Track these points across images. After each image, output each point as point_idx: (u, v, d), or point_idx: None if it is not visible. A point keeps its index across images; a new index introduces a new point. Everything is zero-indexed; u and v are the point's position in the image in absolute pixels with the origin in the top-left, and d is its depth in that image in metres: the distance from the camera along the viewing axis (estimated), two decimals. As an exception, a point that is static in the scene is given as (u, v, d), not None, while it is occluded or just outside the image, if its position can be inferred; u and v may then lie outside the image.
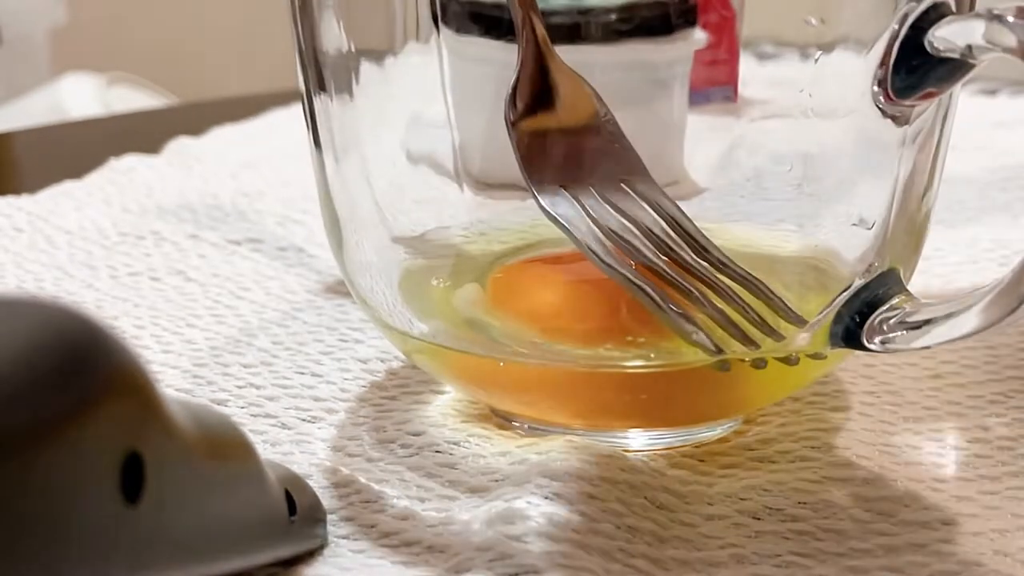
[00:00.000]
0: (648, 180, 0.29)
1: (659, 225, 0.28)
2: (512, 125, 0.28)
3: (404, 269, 0.31)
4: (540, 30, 0.28)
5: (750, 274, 0.28)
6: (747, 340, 0.27)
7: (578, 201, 0.28)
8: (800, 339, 0.28)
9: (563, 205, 0.28)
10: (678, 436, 0.30)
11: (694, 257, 0.28)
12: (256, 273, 0.41)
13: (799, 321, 0.28)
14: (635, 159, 0.29)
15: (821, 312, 0.28)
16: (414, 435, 0.30)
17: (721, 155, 0.32)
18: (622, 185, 0.29)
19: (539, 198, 0.28)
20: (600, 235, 0.28)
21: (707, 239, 0.28)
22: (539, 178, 0.28)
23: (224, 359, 0.35)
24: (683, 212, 0.29)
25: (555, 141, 0.28)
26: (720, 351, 0.27)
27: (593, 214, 0.28)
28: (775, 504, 0.27)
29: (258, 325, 0.37)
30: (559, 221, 0.28)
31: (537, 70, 0.28)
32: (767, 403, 0.31)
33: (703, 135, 0.33)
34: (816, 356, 0.28)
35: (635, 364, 0.29)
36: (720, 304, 0.27)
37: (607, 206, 0.28)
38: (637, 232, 0.28)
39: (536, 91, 0.28)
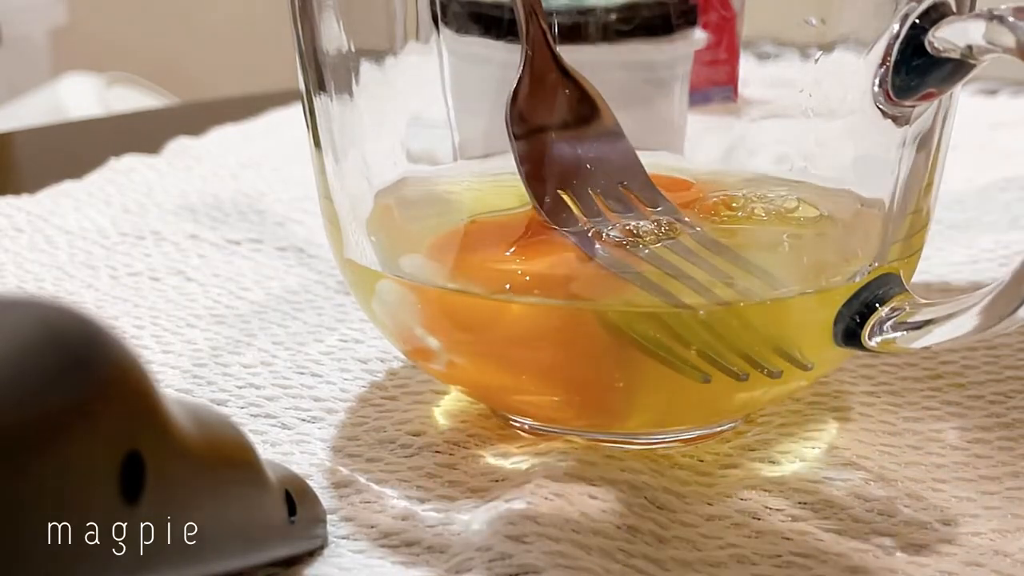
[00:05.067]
0: (648, 181, 0.29)
1: (659, 226, 0.28)
2: (512, 126, 0.28)
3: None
4: (543, 30, 0.28)
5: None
6: (769, 373, 0.27)
7: (577, 203, 0.28)
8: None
9: (562, 207, 0.28)
10: (678, 436, 0.30)
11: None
12: (256, 273, 0.41)
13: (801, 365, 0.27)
14: (635, 159, 0.29)
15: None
16: (414, 435, 0.30)
17: (721, 155, 0.32)
18: (622, 186, 0.29)
19: (536, 201, 0.28)
20: (599, 236, 0.28)
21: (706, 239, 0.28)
22: (538, 179, 0.28)
23: (224, 359, 0.35)
24: (682, 213, 0.29)
25: (555, 142, 0.28)
26: (743, 378, 0.27)
27: (593, 215, 0.28)
28: (775, 504, 0.27)
29: (258, 325, 0.37)
30: (559, 223, 0.28)
31: (540, 70, 0.28)
32: (767, 403, 0.31)
33: (703, 135, 0.33)
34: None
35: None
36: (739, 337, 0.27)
37: (607, 207, 0.28)
38: (637, 233, 0.28)
39: (538, 92, 0.28)
